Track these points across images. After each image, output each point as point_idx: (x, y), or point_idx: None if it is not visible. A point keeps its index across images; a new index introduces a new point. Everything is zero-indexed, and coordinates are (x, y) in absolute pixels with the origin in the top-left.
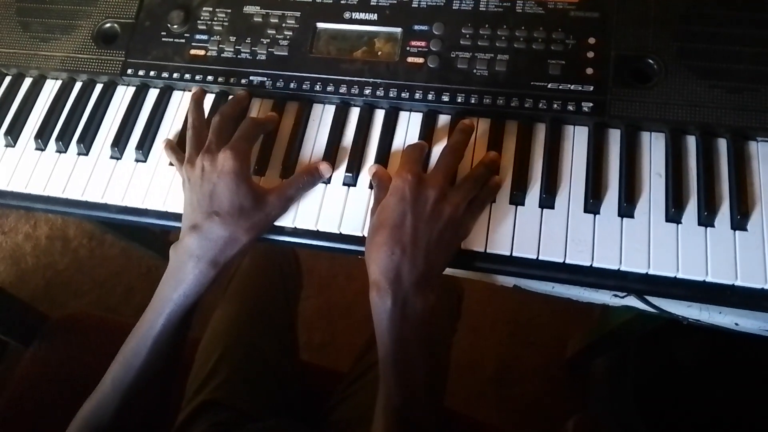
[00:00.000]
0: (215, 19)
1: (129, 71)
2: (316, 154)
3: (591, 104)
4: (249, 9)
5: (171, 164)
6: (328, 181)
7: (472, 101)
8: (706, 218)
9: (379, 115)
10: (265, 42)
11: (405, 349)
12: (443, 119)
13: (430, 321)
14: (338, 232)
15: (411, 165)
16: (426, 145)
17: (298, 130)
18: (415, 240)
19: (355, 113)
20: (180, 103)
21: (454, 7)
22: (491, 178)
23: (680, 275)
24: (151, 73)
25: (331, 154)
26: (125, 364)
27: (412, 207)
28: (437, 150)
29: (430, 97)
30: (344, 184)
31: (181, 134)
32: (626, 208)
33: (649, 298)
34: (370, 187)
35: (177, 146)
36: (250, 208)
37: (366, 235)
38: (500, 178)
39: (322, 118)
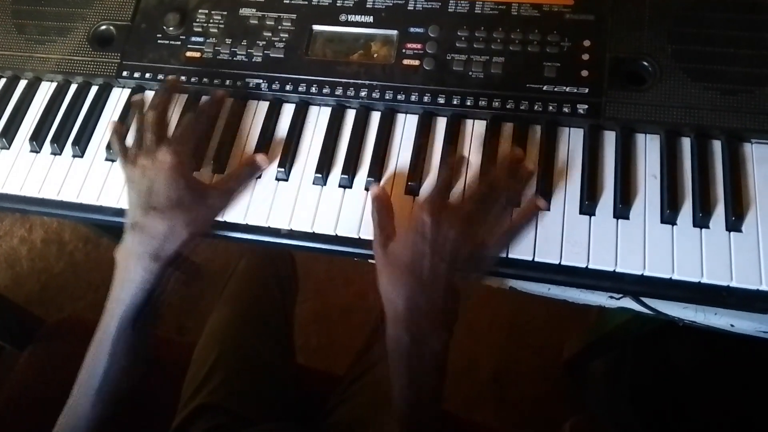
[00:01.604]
0: (211, 21)
1: (124, 73)
2: (312, 156)
3: (586, 106)
4: (245, 11)
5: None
6: (324, 183)
7: (468, 103)
8: (701, 220)
9: (375, 117)
10: (260, 44)
11: (420, 385)
12: (440, 121)
13: (445, 357)
14: (334, 234)
15: (437, 197)
16: (463, 163)
17: (294, 132)
18: (433, 279)
19: (351, 115)
20: (175, 106)
21: (449, 10)
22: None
23: (676, 277)
24: (147, 75)
25: (327, 156)
26: (89, 372)
27: (432, 246)
28: (436, 152)
29: (425, 99)
30: (340, 186)
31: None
32: (622, 210)
33: (645, 300)
34: (366, 188)
35: (122, 137)
36: (190, 202)
37: (363, 236)
38: (541, 203)
39: (318, 120)
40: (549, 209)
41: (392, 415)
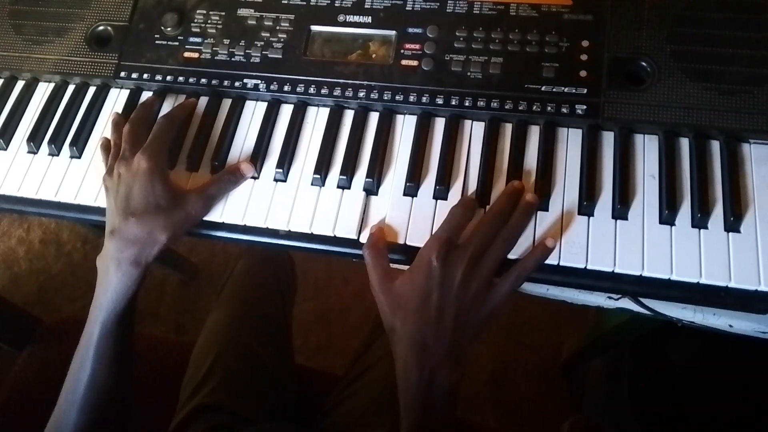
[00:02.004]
0: (209, 21)
1: (122, 74)
2: (311, 157)
3: (585, 107)
4: (243, 11)
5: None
6: (322, 184)
7: (466, 104)
8: (700, 220)
9: (374, 118)
10: (259, 45)
11: (430, 421)
12: (438, 122)
13: (455, 393)
14: (332, 235)
15: (444, 238)
16: (474, 211)
17: (292, 133)
18: (442, 316)
19: (349, 116)
20: (173, 107)
21: (448, 10)
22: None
23: (674, 277)
24: (145, 75)
25: (325, 157)
26: (74, 379)
27: (440, 284)
28: (434, 153)
29: (424, 99)
30: (338, 186)
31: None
32: (620, 210)
33: (644, 300)
34: (364, 189)
35: (109, 147)
36: (168, 207)
37: (363, 239)
38: (550, 242)
39: (317, 120)
40: (555, 246)
41: None
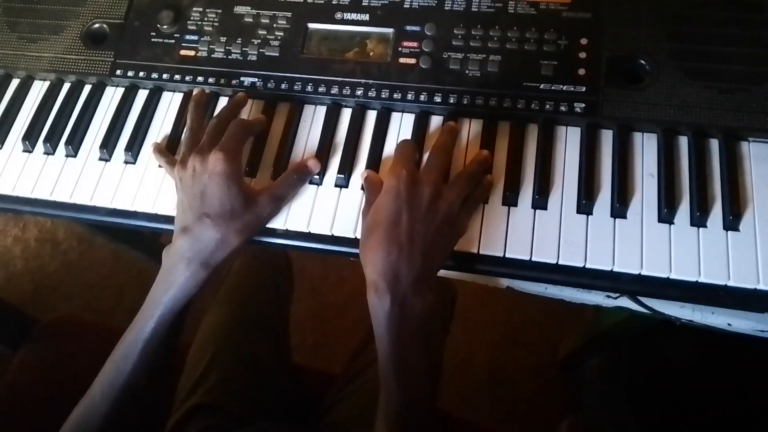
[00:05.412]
0: (205, 19)
1: (118, 72)
2: (308, 155)
3: (583, 105)
4: (239, 9)
5: (160, 166)
6: (320, 183)
7: (465, 102)
8: (699, 219)
9: (371, 116)
10: (256, 42)
11: (405, 349)
12: (436, 120)
13: (429, 321)
14: (330, 234)
15: (405, 162)
16: (417, 145)
17: (289, 132)
18: (412, 239)
19: (347, 114)
20: (170, 105)
21: (446, 8)
22: (484, 176)
23: (673, 276)
24: (141, 73)
25: (323, 156)
26: (115, 369)
27: (408, 205)
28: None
29: (422, 97)
30: (336, 185)
31: (170, 137)
32: (619, 209)
33: (642, 299)
34: (362, 188)
35: (165, 149)
36: (241, 210)
37: (359, 236)
38: (493, 177)
39: (314, 119)
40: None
41: (380, 404)
